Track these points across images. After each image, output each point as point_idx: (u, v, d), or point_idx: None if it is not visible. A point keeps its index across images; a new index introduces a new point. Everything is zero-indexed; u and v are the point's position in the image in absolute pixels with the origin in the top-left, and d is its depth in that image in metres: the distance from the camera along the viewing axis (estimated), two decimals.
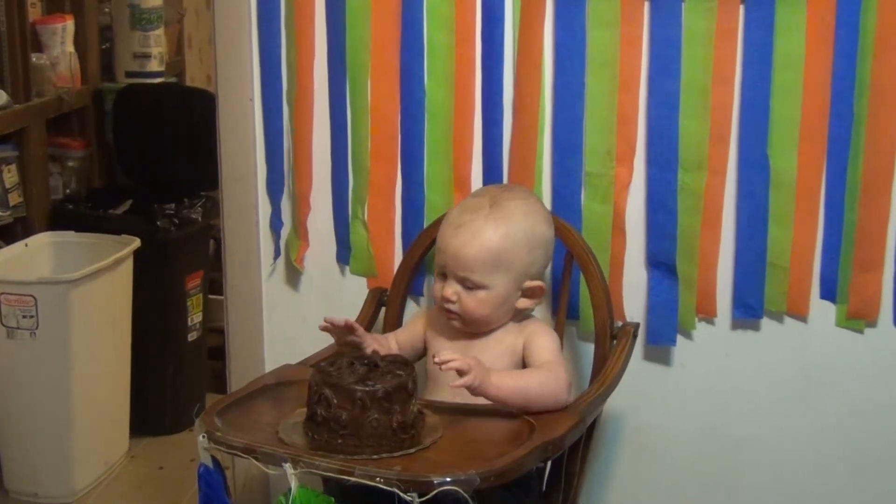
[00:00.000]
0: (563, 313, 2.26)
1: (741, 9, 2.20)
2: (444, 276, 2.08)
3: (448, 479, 1.67)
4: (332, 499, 1.81)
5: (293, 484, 1.73)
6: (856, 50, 2.16)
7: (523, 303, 2.10)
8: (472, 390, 1.90)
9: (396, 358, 1.92)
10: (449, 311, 2.07)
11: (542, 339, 2.08)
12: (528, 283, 2.08)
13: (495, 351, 2.08)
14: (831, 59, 2.17)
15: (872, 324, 2.28)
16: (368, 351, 2.00)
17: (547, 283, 2.39)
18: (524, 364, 2.08)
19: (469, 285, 2.04)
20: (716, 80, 2.22)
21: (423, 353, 2.19)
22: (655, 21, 2.23)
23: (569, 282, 2.26)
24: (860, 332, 2.29)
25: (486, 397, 1.93)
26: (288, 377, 2.12)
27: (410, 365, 1.89)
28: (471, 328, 2.09)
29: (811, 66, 2.18)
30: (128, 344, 3.43)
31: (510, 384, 1.95)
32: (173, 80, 4.28)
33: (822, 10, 2.15)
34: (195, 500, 1.96)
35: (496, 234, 2.04)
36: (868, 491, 2.35)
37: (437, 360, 1.89)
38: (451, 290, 2.06)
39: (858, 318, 2.28)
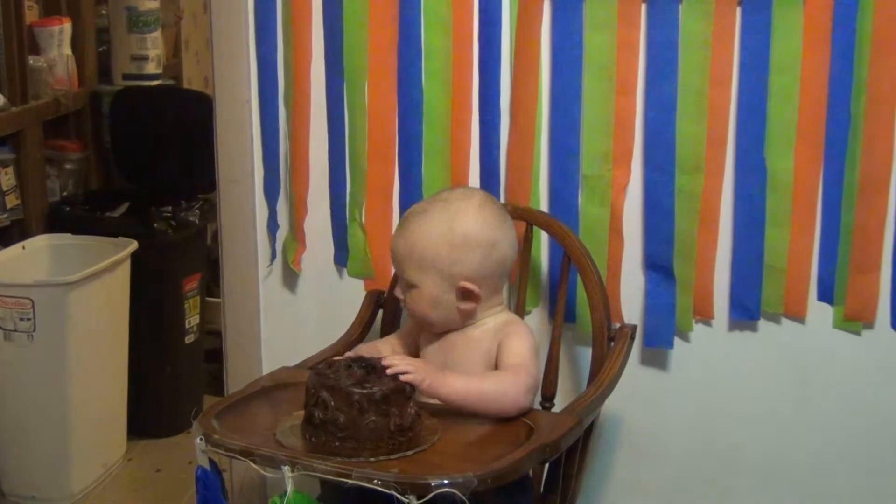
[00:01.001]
0: (561, 316, 2.26)
1: (738, 12, 2.20)
2: None
3: (445, 482, 1.67)
4: None
5: (289, 487, 1.73)
6: (853, 52, 2.16)
7: (465, 305, 2.08)
8: (424, 391, 1.90)
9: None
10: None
11: (514, 340, 2.06)
12: (462, 284, 2.06)
13: (474, 355, 2.08)
14: (828, 61, 2.18)
15: (869, 325, 2.29)
16: None
17: (544, 284, 2.40)
18: (496, 366, 2.07)
19: (407, 284, 2.08)
20: (713, 83, 2.22)
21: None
22: (652, 24, 2.24)
23: (566, 284, 2.26)
24: (857, 333, 2.29)
25: (439, 398, 1.93)
26: (285, 379, 2.12)
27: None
28: (429, 326, 2.12)
29: (808, 68, 2.18)
30: (125, 346, 3.43)
31: (462, 386, 1.95)
32: (171, 82, 4.28)
33: (819, 12, 2.16)
34: (193, 502, 1.96)
35: (416, 233, 2.06)
36: (866, 492, 2.35)
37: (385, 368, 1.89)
38: (400, 288, 2.11)
39: (856, 319, 2.28)
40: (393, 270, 2.41)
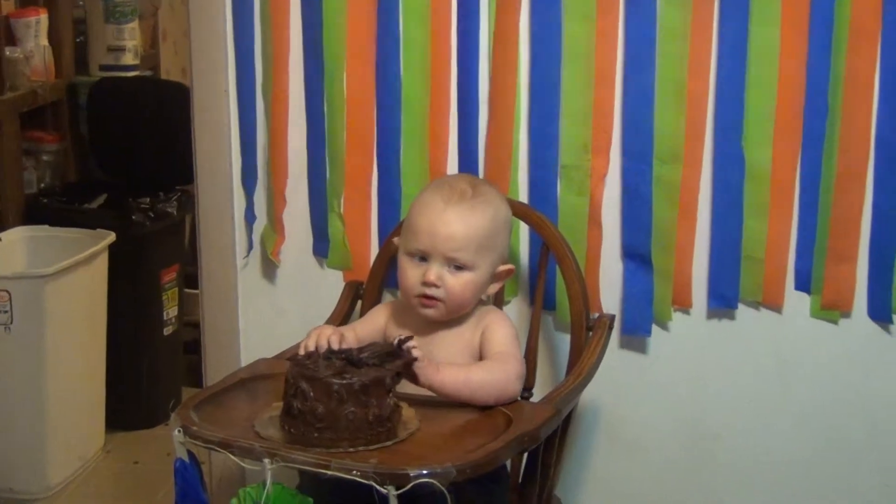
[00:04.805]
0: (540, 304, 2.26)
1: (716, 2, 2.20)
2: (421, 261, 2.06)
3: (424, 472, 1.67)
4: (310, 499, 1.81)
5: (268, 479, 1.73)
6: (830, 42, 2.16)
7: (492, 287, 2.11)
8: (418, 376, 1.89)
9: (384, 349, 1.90)
10: (429, 297, 2.05)
11: (497, 329, 2.08)
12: (502, 267, 2.10)
13: (456, 347, 2.07)
14: (806, 51, 2.18)
15: (847, 314, 2.29)
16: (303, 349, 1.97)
17: (523, 273, 2.40)
18: (480, 356, 2.08)
19: (458, 265, 2.03)
20: (691, 73, 2.23)
21: None
22: (631, 14, 2.24)
23: (545, 274, 2.27)
24: (835, 322, 2.30)
25: (431, 387, 1.92)
26: (263, 371, 2.11)
27: (405, 352, 1.89)
28: (450, 314, 2.07)
29: (786, 58, 2.19)
30: (103, 338, 3.42)
31: (453, 376, 1.94)
32: (148, 73, 4.26)
33: (797, 3, 2.16)
34: (171, 494, 1.95)
35: (485, 216, 2.05)
36: (843, 480, 2.36)
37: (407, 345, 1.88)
38: (435, 273, 2.03)
39: (833, 308, 2.29)
40: (371, 262, 2.42)
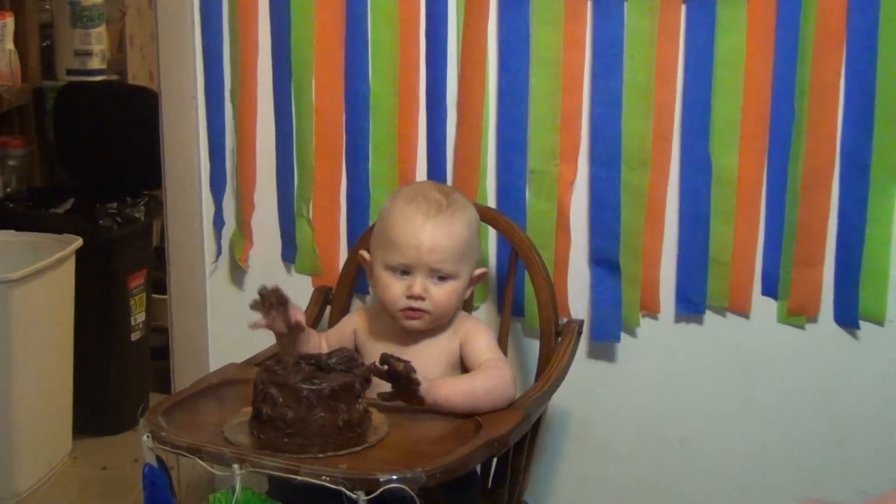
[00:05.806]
0: (508, 310, 2.27)
1: (682, 8, 2.21)
2: (403, 274, 2.04)
3: (394, 477, 1.67)
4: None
5: (238, 485, 1.73)
6: (796, 49, 2.18)
7: (467, 292, 2.12)
8: (422, 397, 1.89)
9: (350, 354, 1.91)
10: (415, 309, 2.04)
11: (479, 336, 2.09)
12: (477, 271, 2.11)
13: (431, 356, 2.07)
14: (772, 58, 2.19)
15: (813, 319, 2.31)
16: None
17: (492, 279, 2.41)
18: (462, 365, 2.08)
19: (442, 275, 2.04)
20: (658, 79, 2.24)
21: None
22: (598, 20, 2.25)
23: (514, 279, 2.27)
24: (801, 327, 2.32)
25: (436, 406, 1.92)
26: (232, 376, 2.11)
27: (363, 363, 1.89)
28: (433, 323, 2.07)
29: (752, 65, 2.20)
30: (70, 344, 3.40)
31: (456, 389, 1.95)
32: (115, 77, 4.25)
33: (763, 9, 2.17)
34: (140, 500, 1.95)
35: (463, 224, 2.05)
36: (810, 484, 2.38)
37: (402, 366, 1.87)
38: (421, 285, 2.03)
39: (799, 314, 2.30)
40: (340, 267, 2.42)
